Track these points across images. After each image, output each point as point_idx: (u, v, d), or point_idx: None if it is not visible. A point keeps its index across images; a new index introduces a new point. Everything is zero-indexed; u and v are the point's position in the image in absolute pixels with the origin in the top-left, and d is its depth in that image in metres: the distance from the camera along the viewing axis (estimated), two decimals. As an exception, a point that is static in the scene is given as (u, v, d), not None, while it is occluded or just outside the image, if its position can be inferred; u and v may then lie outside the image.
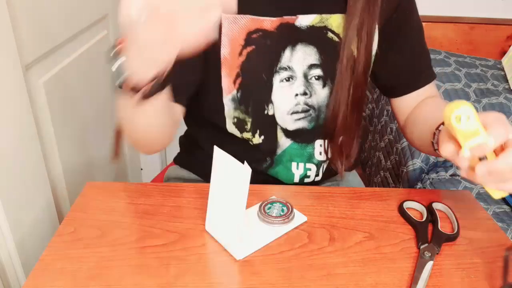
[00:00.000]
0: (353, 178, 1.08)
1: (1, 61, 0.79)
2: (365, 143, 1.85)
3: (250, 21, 0.80)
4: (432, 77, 0.92)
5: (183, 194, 0.78)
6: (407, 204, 0.77)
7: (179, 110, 0.83)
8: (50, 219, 0.99)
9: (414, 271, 0.63)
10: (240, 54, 0.81)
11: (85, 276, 0.60)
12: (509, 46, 1.84)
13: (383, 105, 1.72)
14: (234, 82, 0.83)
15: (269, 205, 0.74)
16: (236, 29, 0.80)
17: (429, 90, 0.91)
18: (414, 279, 0.62)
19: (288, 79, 0.84)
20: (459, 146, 0.55)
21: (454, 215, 0.74)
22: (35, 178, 0.93)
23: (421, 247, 0.68)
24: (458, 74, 1.61)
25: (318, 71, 0.84)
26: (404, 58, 0.89)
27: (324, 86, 0.85)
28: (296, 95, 0.85)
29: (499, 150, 0.55)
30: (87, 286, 0.59)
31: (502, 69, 1.68)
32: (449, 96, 1.52)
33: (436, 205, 0.77)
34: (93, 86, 1.29)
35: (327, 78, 0.84)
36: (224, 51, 0.81)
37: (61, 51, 1.09)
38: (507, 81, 1.61)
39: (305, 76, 0.84)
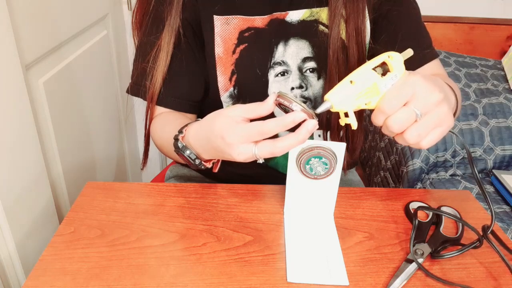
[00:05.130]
0: (353, 178, 1.08)
1: (1, 61, 0.79)
2: (365, 143, 1.85)
3: (242, 21, 0.83)
4: (432, 56, 0.90)
5: (182, 194, 0.78)
6: (413, 205, 0.77)
7: (193, 118, 0.86)
8: (50, 219, 0.99)
9: (399, 266, 0.64)
10: (234, 52, 0.84)
11: (85, 276, 0.60)
12: (509, 46, 1.84)
13: (383, 105, 1.71)
14: (230, 80, 0.85)
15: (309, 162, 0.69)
16: (228, 29, 0.82)
17: (431, 70, 0.89)
18: (396, 274, 0.62)
19: (283, 73, 0.86)
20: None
21: (462, 221, 0.73)
22: (35, 178, 0.93)
23: (415, 245, 0.68)
24: (458, 74, 1.61)
25: (312, 64, 0.86)
26: (400, 39, 0.87)
27: (319, 78, 0.87)
28: (292, 88, 0.87)
29: None
30: (87, 286, 0.59)
31: (502, 69, 1.68)
32: (449, 96, 1.52)
33: (445, 209, 0.76)
34: (93, 86, 1.29)
35: (321, 70, 0.86)
36: (218, 50, 0.83)
37: (61, 51, 1.09)
38: (507, 81, 1.61)
39: (300, 69, 0.86)
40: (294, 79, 0.86)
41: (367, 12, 0.84)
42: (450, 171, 1.45)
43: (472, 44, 1.89)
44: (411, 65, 0.89)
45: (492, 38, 1.88)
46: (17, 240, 0.86)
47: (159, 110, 0.85)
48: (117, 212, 0.73)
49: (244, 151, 0.59)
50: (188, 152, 0.69)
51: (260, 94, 0.87)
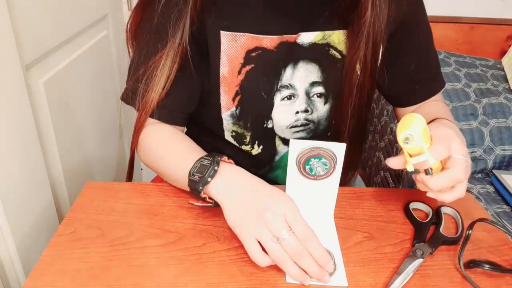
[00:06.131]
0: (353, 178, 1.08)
1: (1, 61, 0.79)
2: (365, 143, 1.85)
3: (249, 39, 0.78)
4: (439, 87, 0.91)
5: (182, 194, 0.78)
6: (413, 205, 0.77)
7: (180, 129, 0.84)
8: (50, 219, 0.99)
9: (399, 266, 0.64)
10: (239, 72, 0.80)
11: (85, 276, 0.60)
12: (509, 46, 1.84)
13: (383, 105, 1.72)
14: (233, 100, 0.82)
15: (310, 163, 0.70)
16: (235, 47, 0.78)
17: (432, 98, 0.91)
18: (396, 274, 0.62)
19: (289, 97, 0.83)
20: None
21: (462, 221, 0.73)
22: (35, 178, 0.93)
23: (415, 245, 0.67)
24: (458, 74, 1.61)
25: (320, 89, 0.83)
26: (410, 71, 0.87)
27: (325, 103, 0.84)
28: (297, 112, 0.84)
29: (444, 162, 0.65)
30: (87, 286, 0.59)
31: (502, 69, 1.68)
32: (449, 96, 1.52)
33: (445, 209, 0.76)
34: (93, 86, 1.29)
35: (329, 95, 0.83)
36: (223, 70, 0.80)
37: (61, 51, 1.09)
38: (507, 81, 1.60)
39: (307, 93, 0.83)
40: (300, 103, 0.84)
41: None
42: (450, 171, 1.45)
43: (472, 44, 1.89)
44: (420, 96, 0.90)
45: (492, 38, 1.88)
46: (17, 240, 0.86)
47: (150, 120, 0.81)
48: (117, 212, 0.73)
49: (256, 232, 0.61)
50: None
51: (262, 116, 0.84)
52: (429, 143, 0.63)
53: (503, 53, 1.86)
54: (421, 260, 0.65)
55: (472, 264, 0.64)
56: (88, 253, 0.64)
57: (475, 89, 1.56)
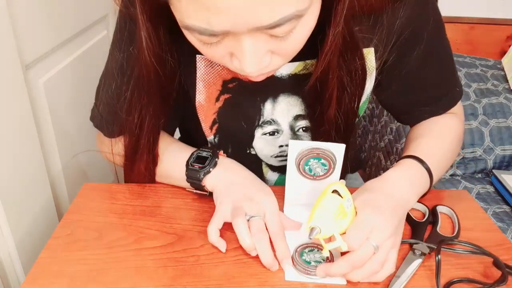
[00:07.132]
0: (354, 178, 1.08)
1: (1, 61, 0.79)
2: (365, 143, 1.85)
3: (225, 69, 0.72)
4: (453, 102, 0.81)
5: (180, 195, 0.78)
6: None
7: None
8: (50, 219, 0.99)
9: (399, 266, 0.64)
10: (217, 99, 0.75)
11: (82, 279, 0.60)
12: (509, 46, 1.83)
13: (383, 104, 1.71)
14: (211, 128, 0.79)
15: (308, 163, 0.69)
16: (212, 73, 0.73)
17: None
18: (395, 277, 0.62)
19: (272, 133, 0.78)
20: None
21: (458, 219, 0.73)
22: (35, 178, 0.93)
23: (413, 245, 0.67)
24: (458, 74, 1.61)
25: (304, 122, 0.77)
26: (418, 92, 0.78)
27: (313, 137, 0.78)
28: (281, 146, 0.80)
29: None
30: (85, 288, 0.59)
31: (502, 69, 1.68)
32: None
33: (441, 208, 0.76)
34: (93, 86, 1.29)
35: (316, 129, 0.76)
36: (200, 97, 0.76)
37: (61, 51, 1.09)
38: (507, 81, 1.60)
39: (292, 128, 0.77)
40: (285, 138, 0.78)
41: (374, 63, 0.72)
42: (450, 171, 1.45)
43: (472, 44, 1.89)
44: (419, 118, 0.81)
45: (492, 38, 1.88)
46: (17, 239, 0.87)
47: None
48: (114, 213, 0.73)
49: (236, 211, 0.65)
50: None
51: (244, 145, 0.80)
52: (351, 216, 0.61)
53: (503, 53, 1.86)
54: (419, 260, 0.65)
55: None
56: (85, 255, 0.64)
57: (475, 89, 1.56)
